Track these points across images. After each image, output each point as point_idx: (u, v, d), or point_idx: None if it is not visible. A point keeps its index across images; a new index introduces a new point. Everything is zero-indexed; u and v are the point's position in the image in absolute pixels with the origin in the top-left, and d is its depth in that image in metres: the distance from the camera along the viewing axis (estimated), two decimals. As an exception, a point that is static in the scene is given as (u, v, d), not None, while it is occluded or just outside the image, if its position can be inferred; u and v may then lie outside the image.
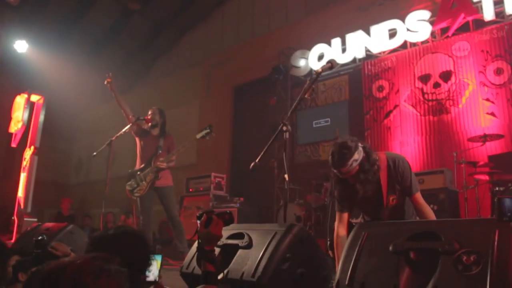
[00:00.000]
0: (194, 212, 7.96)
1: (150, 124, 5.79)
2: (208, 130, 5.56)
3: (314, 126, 9.24)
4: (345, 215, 3.33)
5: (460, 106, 7.10)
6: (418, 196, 3.20)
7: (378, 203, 3.23)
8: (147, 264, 1.92)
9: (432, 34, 7.60)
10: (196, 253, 2.26)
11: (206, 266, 2.20)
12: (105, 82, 5.72)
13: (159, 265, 2.64)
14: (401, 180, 3.19)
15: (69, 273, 1.23)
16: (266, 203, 8.88)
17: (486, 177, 5.68)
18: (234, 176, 10.33)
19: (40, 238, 2.88)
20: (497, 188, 5.34)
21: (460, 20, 7.16)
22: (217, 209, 7.23)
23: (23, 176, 7.25)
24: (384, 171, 3.19)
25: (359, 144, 3.09)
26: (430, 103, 7.46)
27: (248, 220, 7.01)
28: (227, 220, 2.31)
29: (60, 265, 1.27)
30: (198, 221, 2.29)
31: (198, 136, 5.59)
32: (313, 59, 8.99)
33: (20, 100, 7.50)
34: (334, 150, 3.06)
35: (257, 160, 3.44)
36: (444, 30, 7.47)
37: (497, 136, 6.00)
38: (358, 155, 3.02)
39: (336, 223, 3.34)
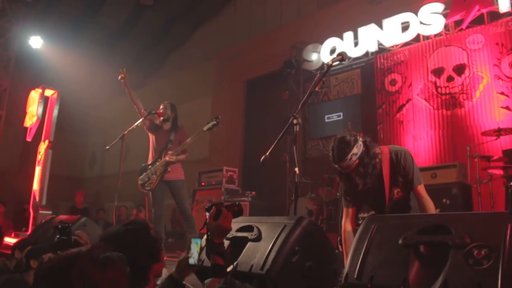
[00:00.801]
0: (206, 205, 8.00)
1: (161, 118, 5.82)
2: (215, 122, 5.57)
3: (326, 120, 9.20)
4: (351, 210, 3.37)
5: (474, 99, 7.01)
6: (421, 188, 3.20)
7: (381, 196, 3.23)
8: (152, 260, 1.92)
9: (446, 27, 7.51)
10: (206, 245, 2.27)
11: (215, 259, 2.21)
12: (119, 78, 5.74)
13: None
14: (403, 173, 3.20)
15: (78, 267, 1.24)
16: (278, 197, 8.89)
17: (500, 172, 5.60)
18: (246, 170, 10.34)
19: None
20: (511, 183, 5.28)
21: (474, 12, 7.05)
22: (227, 202, 7.25)
23: (38, 170, 7.33)
24: (387, 164, 3.21)
25: (359, 138, 3.11)
26: (443, 97, 7.38)
27: (259, 214, 7.02)
28: (236, 212, 2.32)
29: (67, 258, 1.28)
30: (207, 214, 2.30)
31: (205, 128, 5.59)
32: (325, 53, 8.95)
33: (34, 95, 7.58)
34: (333, 145, 3.13)
35: (267, 154, 3.44)
36: (458, 23, 7.37)
37: (512, 130, 5.92)
38: (358, 149, 3.05)
39: (343, 219, 3.40)
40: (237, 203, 2.37)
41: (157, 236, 2.00)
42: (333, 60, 3.55)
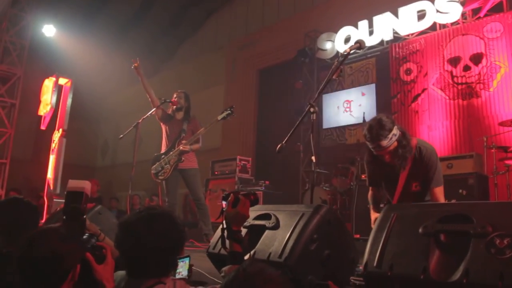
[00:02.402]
0: (219, 194, 8.01)
1: (174, 107, 5.82)
2: (229, 112, 5.56)
3: (340, 110, 9.14)
4: (374, 189, 3.58)
5: (491, 89, 6.91)
6: (438, 191, 3.20)
7: (395, 185, 3.30)
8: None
9: (463, 15, 7.38)
10: (222, 234, 2.27)
11: (233, 246, 2.21)
12: (132, 67, 5.73)
13: (187, 267, 2.78)
14: (424, 170, 3.21)
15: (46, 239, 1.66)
16: (291, 186, 8.88)
17: (518, 163, 5.54)
18: (259, 160, 10.34)
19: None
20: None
21: (493, 0, 6.93)
22: (242, 191, 7.26)
23: (52, 158, 7.39)
24: (411, 156, 3.21)
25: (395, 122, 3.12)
26: (459, 87, 7.28)
27: (273, 203, 6.98)
28: (253, 200, 2.31)
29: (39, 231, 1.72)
30: (224, 202, 2.30)
31: (220, 117, 5.59)
32: (339, 42, 8.87)
33: (48, 83, 7.62)
34: (372, 124, 3.07)
35: (283, 142, 3.43)
36: (475, 11, 7.25)
37: (530, 121, 5.81)
38: (396, 131, 3.06)
39: (369, 192, 3.62)
40: (253, 192, 2.36)
41: (181, 220, 2.00)
42: (351, 48, 3.52)
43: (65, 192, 2.21)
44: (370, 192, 3.60)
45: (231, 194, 2.29)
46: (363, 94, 8.82)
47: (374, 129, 3.04)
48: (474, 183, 5.28)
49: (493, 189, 5.56)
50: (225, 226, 2.26)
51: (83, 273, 1.73)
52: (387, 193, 3.51)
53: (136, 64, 5.73)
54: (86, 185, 2.26)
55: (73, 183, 2.24)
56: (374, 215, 3.39)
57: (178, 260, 2.52)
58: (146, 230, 1.78)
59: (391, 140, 3.02)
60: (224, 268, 2.14)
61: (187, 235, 3.06)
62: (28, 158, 13.24)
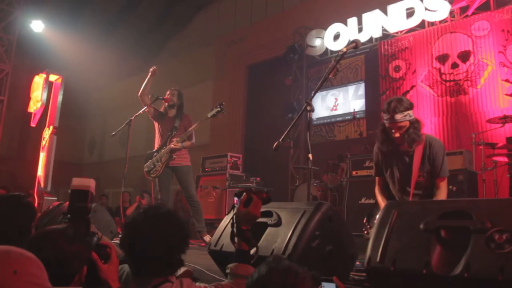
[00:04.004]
0: (210, 191, 8.02)
1: (167, 104, 5.80)
2: (219, 109, 5.56)
3: (329, 106, 9.21)
4: (381, 179, 3.72)
5: (479, 87, 7.03)
6: (443, 180, 3.42)
7: (408, 176, 3.44)
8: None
9: (451, 13, 7.50)
10: (231, 230, 2.28)
11: (240, 245, 2.23)
12: (151, 70, 5.68)
13: None
14: (433, 161, 3.40)
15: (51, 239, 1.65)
16: (280, 183, 8.91)
17: (505, 159, 5.65)
18: (248, 156, 10.36)
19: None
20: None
21: (480, -1, 7.05)
22: (231, 188, 7.25)
23: (42, 155, 7.31)
24: (421, 148, 3.41)
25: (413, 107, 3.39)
26: (447, 84, 7.40)
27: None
28: (265, 199, 2.33)
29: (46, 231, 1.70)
30: (236, 199, 2.31)
31: (209, 114, 5.58)
32: (329, 39, 8.93)
33: (38, 80, 7.52)
34: (393, 99, 3.39)
35: (280, 140, 3.46)
36: (463, 9, 7.37)
37: (517, 118, 5.93)
38: (412, 114, 3.34)
39: (376, 186, 3.78)
40: (265, 190, 2.38)
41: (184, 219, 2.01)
42: (348, 48, 3.56)
43: (70, 191, 2.17)
44: (377, 187, 3.76)
45: (244, 193, 2.30)
46: (352, 91, 8.89)
47: (393, 102, 3.34)
48: (463, 179, 5.38)
49: (481, 185, 5.67)
50: (234, 222, 2.27)
51: (89, 273, 1.73)
52: (392, 184, 3.63)
53: (154, 70, 5.69)
54: (91, 183, 2.23)
55: (78, 181, 2.19)
56: None
57: None
58: (153, 230, 1.80)
59: (405, 117, 3.29)
60: (230, 265, 2.16)
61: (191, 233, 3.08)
62: (14, 155, 13.08)
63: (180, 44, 13.85)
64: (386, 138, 3.50)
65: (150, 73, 5.68)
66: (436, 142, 3.48)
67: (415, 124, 3.37)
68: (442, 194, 3.36)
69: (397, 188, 3.58)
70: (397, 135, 3.36)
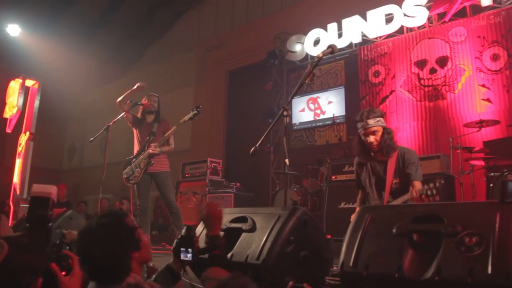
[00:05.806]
0: (190, 197, 7.98)
1: (146, 109, 5.75)
2: (196, 112, 5.50)
3: (309, 111, 9.23)
4: (363, 190, 3.92)
5: (456, 92, 7.13)
6: (417, 184, 3.53)
7: (383, 184, 3.58)
8: (130, 248, 1.91)
9: (429, 19, 7.60)
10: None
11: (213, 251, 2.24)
12: (140, 85, 5.62)
13: None
14: (406, 166, 3.57)
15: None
16: (261, 188, 8.90)
17: (482, 163, 5.72)
18: (229, 161, 10.34)
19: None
20: (492, 174, 5.39)
21: (457, 6, 7.15)
22: (211, 194, 7.19)
23: (18, 162, 7.17)
24: (394, 158, 3.59)
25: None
26: (426, 89, 7.48)
27: (244, 205, 7.02)
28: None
29: None
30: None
31: (186, 118, 5.51)
32: (309, 44, 8.97)
33: (14, 85, 7.38)
34: (364, 110, 3.71)
35: (257, 145, 3.45)
36: (441, 16, 7.47)
37: (493, 122, 6.00)
38: (383, 121, 3.60)
39: (358, 195, 4.00)
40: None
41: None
42: (324, 53, 3.55)
43: (29, 198, 2.11)
44: (359, 196, 3.98)
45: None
46: (332, 96, 8.93)
47: (366, 111, 3.64)
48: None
49: (458, 188, 5.73)
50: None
51: (46, 286, 1.62)
52: (371, 192, 3.74)
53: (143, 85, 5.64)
54: (52, 190, 2.16)
55: (38, 188, 2.12)
56: None
57: None
58: (101, 237, 1.86)
59: (377, 122, 3.55)
60: (203, 273, 2.16)
61: (157, 238, 3.03)
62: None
63: (160, 50, 13.79)
64: (362, 149, 3.70)
65: (136, 87, 5.62)
66: (410, 151, 3.70)
67: (388, 130, 3.61)
68: (416, 189, 3.42)
69: (375, 196, 3.69)
70: (373, 140, 3.54)
